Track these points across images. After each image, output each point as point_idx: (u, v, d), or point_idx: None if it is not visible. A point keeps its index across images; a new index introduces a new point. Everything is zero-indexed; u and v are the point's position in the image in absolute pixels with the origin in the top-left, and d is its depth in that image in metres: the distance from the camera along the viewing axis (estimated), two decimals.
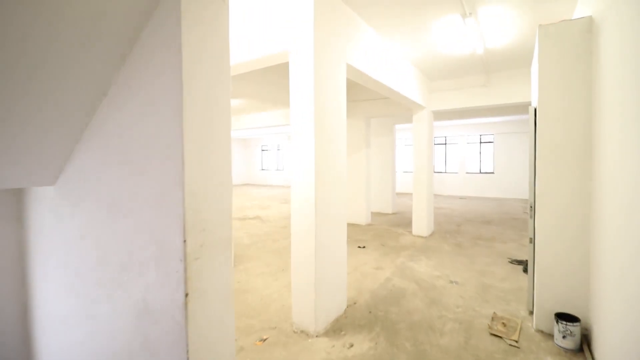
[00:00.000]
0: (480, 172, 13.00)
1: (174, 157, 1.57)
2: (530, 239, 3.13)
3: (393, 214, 8.86)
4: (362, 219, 7.34)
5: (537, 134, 2.90)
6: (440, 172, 13.82)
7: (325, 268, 2.89)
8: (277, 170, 19.08)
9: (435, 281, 4.00)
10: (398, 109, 6.82)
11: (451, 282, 3.97)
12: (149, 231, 1.70)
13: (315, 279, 2.76)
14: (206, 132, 1.64)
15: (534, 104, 3.22)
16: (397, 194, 13.09)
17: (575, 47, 2.69)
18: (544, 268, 2.86)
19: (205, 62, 1.56)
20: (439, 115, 8.13)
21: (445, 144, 13.93)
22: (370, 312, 3.23)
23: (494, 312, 3.18)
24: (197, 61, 1.51)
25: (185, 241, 1.57)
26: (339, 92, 3.06)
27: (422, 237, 6.20)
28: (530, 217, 3.11)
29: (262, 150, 20.16)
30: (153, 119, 1.59)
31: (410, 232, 6.46)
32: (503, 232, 6.56)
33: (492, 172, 12.66)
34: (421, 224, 6.23)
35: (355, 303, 3.42)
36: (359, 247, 5.52)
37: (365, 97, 7.16)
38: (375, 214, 8.79)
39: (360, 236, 6.31)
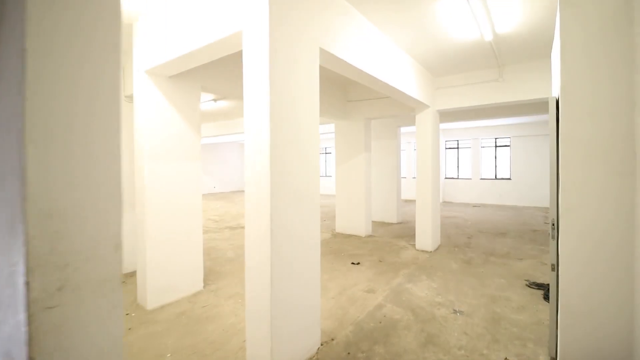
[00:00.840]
0: (496, 178, 12.12)
1: (16, 163, 1.03)
2: (553, 265, 2.45)
3: (398, 223, 8.17)
4: (362, 230, 6.70)
5: (560, 132, 2.24)
6: (453, 178, 13.01)
7: (288, 301, 2.30)
8: None
9: (435, 310, 3.34)
10: (401, 109, 6.20)
11: (455, 311, 3.30)
12: (3, 266, 1.17)
13: (272, 317, 2.18)
14: (73, 129, 1.08)
15: (555, 94, 2.57)
16: (406, 201, 12.35)
17: (608, 14, 2.04)
18: (571, 306, 2.19)
19: (71, 34, 1.04)
20: (447, 116, 7.45)
21: (458, 147, 13.12)
22: (349, 353, 2.61)
23: (506, 359, 2.50)
24: (54, 33, 1.00)
25: (28, 283, 1.02)
26: (308, 83, 2.49)
27: (426, 251, 5.51)
28: (553, 237, 2.44)
29: None
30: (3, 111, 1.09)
31: (414, 245, 5.78)
32: (520, 247, 5.78)
33: (509, 178, 11.76)
34: (425, 237, 5.55)
35: (333, 339, 2.81)
36: (353, 263, 4.90)
37: (364, 97, 6.57)
38: (377, 224, 8.12)
39: (357, 250, 5.67)
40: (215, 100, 6.74)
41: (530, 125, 11.19)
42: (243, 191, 18.54)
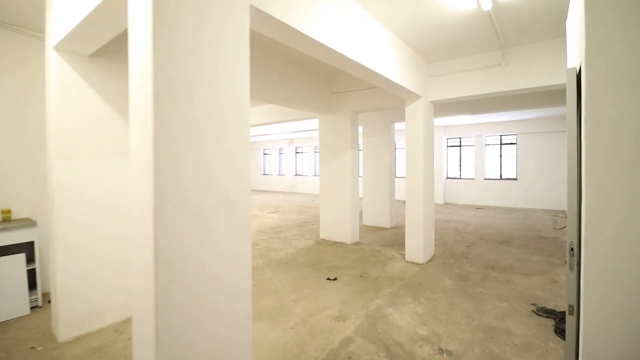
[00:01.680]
0: (501, 178, 11.32)
1: None
2: (571, 307, 1.73)
3: (391, 228, 7.45)
4: (348, 236, 5.99)
5: (584, 116, 1.53)
6: (455, 178, 12.22)
7: (190, 349, 1.62)
8: (279, 175, 17.97)
9: (416, 348, 2.63)
10: (391, 101, 5.47)
11: (441, 350, 2.60)
12: None
13: None
14: None
15: (575, 64, 1.85)
16: (405, 203, 11.58)
17: None
18: None
19: None
20: (444, 109, 6.71)
21: (460, 145, 12.33)
22: None
23: None
24: None
25: None
26: (230, 57, 1.79)
27: (417, 264, 4.79)
28: (571, 267, 1.72)
29: (264, 154, 19.14)
30: None
31: (405, 255, 5.05)
32: (526, 258, 5.04)
33: (515, 178, 10.95)
34: (416, 247, 4.83)
35: None
36: (329, 279, 4.20)
37: (351, 88, 5.86)
38: (369, 229, 7.41)
39: (338, 261, 4.97)
40: None
41: (538, 121, 10.36)
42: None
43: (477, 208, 10.74)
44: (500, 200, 11.11)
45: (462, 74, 4.65)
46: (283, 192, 16.82)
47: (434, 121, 10.68)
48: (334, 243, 6.06)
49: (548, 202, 10.26)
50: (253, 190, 18.24)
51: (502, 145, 11.40)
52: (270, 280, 4.16)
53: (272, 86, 4.93)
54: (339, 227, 6.10)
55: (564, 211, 9.82)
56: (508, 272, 4.40)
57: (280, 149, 17.95)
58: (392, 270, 4.54)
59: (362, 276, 4.31)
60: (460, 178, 12.18)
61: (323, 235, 6.38)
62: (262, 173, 19.08)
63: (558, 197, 10.08)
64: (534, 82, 4.14)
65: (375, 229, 7.46)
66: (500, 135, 11.35)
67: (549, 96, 5.63)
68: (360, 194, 7.35)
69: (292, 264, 4.82)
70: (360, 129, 8.30)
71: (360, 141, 8.55)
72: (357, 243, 6.07)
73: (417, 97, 4.70)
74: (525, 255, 5.24)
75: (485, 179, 11.54)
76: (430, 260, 4.95)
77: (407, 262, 4.89)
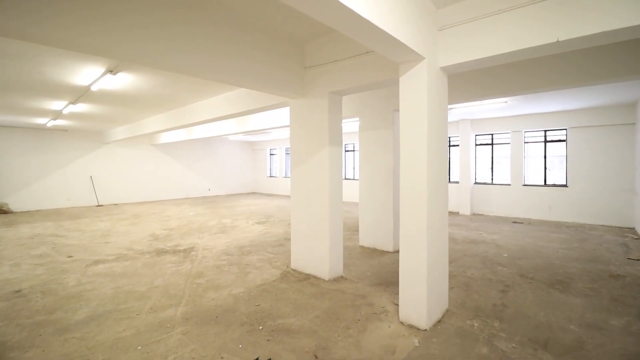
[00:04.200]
0: (546, 185, 9.07)
1: None
2: None
3: (395, 252, 5.60)
4: (325, 268, 4.25)
5: None
6: (485, 184, 10.08)
7: None
8: (285, 177, 16.44)
9: None
10: (385, 72, 3.69)
11: None
12: None
13: None
14: None
15: None
16: None
17: None
18: None
19: None
20: (464, 88, 4.73)
21: (492, 144, 10.17)
22: None
23: None
24: None
25: None
26: None
27: (416, 329, 2.98)
28: None
29: (271, 154, 17.73)
30: None
31: (399, 309, 3.23)
32: (600, 323, 3.07)
33: (565, 185, 8.68)
34: (416, 298, 3.02)
35: None
36: None
37: (329, 59, 4.14)
38: (365, 253, 5.62)
39: (295, 315, 3.25)
40: (113, 72, 4.62)
41: (596, 111, 8.06)
42: (241, 194, 16.58)
43: (514, 222, 8.58)
44: (544, 212, 8.86)
45: (492, 18, 2.80)
46: (287, 197, 15.26)
47: (456, 113, 8.60)
48: (307, 277, 4.34)
49: (610, 216, 7.94)
50: (257, 194, 16.85)
51: (547, 143, 9.15)
52: (162, 357, 2.54)
53: (219, 59, 3.38)
54: (314, 255, 4.37)
55: (633, 229, 7.49)
56: (574, 357, 2.49)
57: (286, 149, 16.42)
58: (371, 342, 2.76)
59: (316, 357, 2.57)
60: (492, 184, 10.02)
61: (295, 263, 4.68)
62: (269, 175, 17.65)
63: (624, 210, 7.76)
64: (624, 20, 2.22)
65: (373, 252, 5.65)
66: (545, 130, 9.10)
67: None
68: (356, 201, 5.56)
69: (223, 320, 3.17)
70: (356, 126, 6.50)
71: (357, 138, 6.75)
72: (338, 279, 4.31)
73: (419, 58, 2.91)
74: (596, 313, 3.26)
75: (525, 185, 9.32)
76: (439, 322, 3.11)
77: (401, 323, 3.08)
